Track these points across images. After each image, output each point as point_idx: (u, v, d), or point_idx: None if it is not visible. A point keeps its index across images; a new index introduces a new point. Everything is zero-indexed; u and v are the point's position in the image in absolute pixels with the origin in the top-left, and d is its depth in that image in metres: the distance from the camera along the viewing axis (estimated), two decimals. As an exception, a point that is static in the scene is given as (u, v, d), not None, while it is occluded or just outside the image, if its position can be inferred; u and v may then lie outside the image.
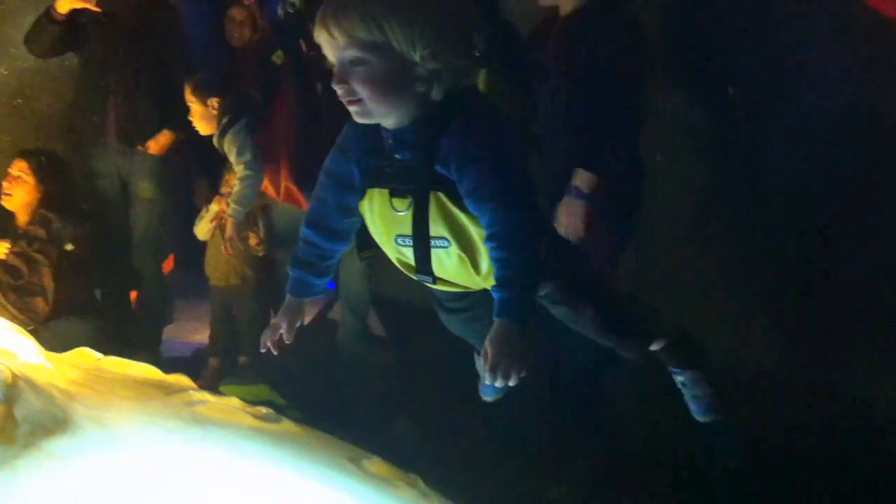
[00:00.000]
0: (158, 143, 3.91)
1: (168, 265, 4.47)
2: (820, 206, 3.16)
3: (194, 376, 2.85)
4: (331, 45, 1.37)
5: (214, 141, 3.66)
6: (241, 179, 3.55)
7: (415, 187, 1.44)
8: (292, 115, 3.62)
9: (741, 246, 3.46)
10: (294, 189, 3.65)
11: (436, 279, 1.56)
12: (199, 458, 1.96)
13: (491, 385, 1.92)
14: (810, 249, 3.19)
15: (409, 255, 1.53)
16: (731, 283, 3.47)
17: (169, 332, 4.39)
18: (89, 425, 1.93)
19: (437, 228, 1.46)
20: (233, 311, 3.99)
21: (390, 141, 1.44)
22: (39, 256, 3.46)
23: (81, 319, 3.51)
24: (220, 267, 3.87)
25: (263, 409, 2.61)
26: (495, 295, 1.41)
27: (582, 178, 2.55)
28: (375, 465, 2.36)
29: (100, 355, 2.73)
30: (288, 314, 1.62)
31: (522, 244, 1.41)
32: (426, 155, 1.42)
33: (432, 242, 1.48)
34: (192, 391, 2.59)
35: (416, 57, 1.34)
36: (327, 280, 1.63)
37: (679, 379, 1.87)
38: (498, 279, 1.41)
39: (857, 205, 3.06)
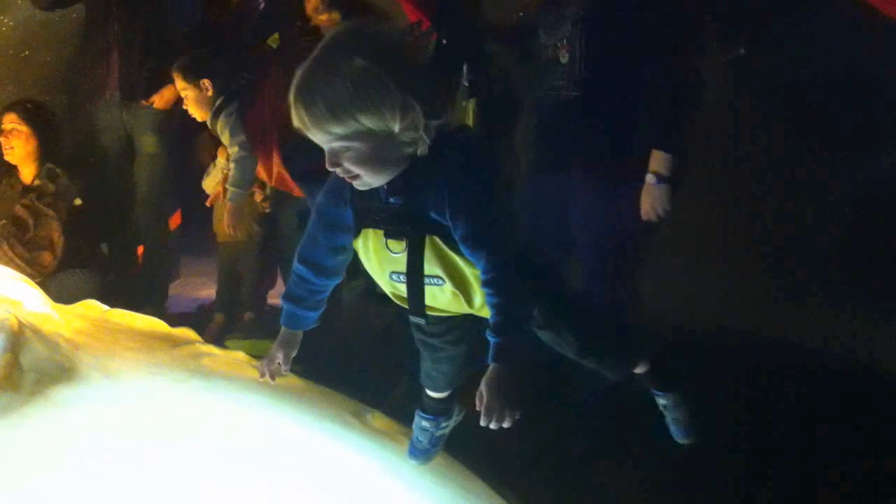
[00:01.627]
0: (163, 98, 3.88)
1: (175, 221, 4.46)
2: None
3: (200, 332, 2.86)
4: (313, 138, 1.40)
5: (208, 123, 3.64)
6: (237, 161, 3.54)
7: (409, 232, 1.46)
8: (283, 99, 3.63)
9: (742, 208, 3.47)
10: (287, 174, 3.68)
11: (428, 317, 1.58)
12: (204, 409, 1.98)
13: (427, 448, 1.92)
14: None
15: (403, 290, 1.55)
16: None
17: (175, 287, 4.40)
18: (95, 374, 1.95)
19: (431, 268, 1.48)
20: (238, 267, 4.00)
21: (384, 187, 1.45)
22: (49, 211, 3.47)
23: (88, 273, 3.52)
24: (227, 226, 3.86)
25: (268, 364, 2.63)
26: (491, 339, 1.42)
27: (660, 161, 2.38)
28: (378, 419, 2.38)
29: (106, 307, 2.74)
30: (283, 346, 1.62)
31: (517, 289, 1.43)
32: (420, 202, 1.42)
33: (427, 280, 1.50)
34: (197, 344, 2.61)
35: (395, 129, 1.36)
36: (319, 312, 1.63)
37: (661, 402, 1.89)
38: (493, 324, 1.42)
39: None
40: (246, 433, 1.89)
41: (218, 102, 3.53)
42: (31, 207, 3.50)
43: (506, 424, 1.39)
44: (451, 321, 1.65)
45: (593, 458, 2.51)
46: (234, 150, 3.53)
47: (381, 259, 1.51)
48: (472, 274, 1.49)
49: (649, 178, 2.41)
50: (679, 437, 1.90)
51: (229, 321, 3.90)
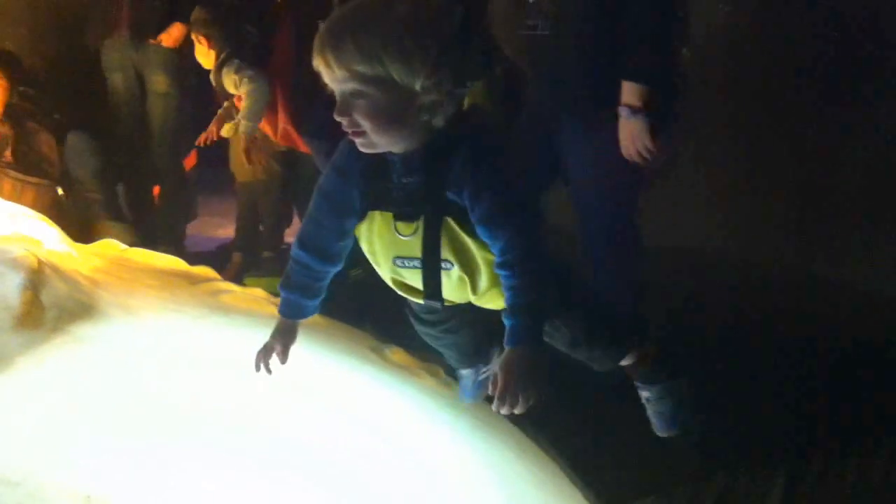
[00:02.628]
0: (171, 36, 3.84)
1: (190, 161, 4.45)
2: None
3: (218, 271, 2.87)
4: (330, 77, 1.31)
5: (211, 77, 3.67)
6: (248, 94, 3.53)
7: (425, 212, 1.39)
8: (291, 55, 3.64)
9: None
10: (292, 130, 3.67)
11: (427, 305, 1.52)
12: (225, 344, 1.99)
13: (472, 391, 1.89)
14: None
15: (406, 275, 1.48)
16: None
17: (193, 227, 4.41)
18: (115, 311, 1.96)
19: (442, 250, 1.42)
20: (257, 206, 3.99)
21: (398, 166, 1.39)
22: (31, 124, 3.46)
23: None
24: (245, 163, 3.85)
25: (287, 300, 2.64)
26: (507, 322, 1.38)
27: (632, 93, 2.28)
28: (397, 354, 2.39)
29: (124, 246, 2.75)
30: (281, 336, 1.55)
31: (537, 270, 1.38)
32: (437, 180, 1.36)
33: None
34: (216, 281, 2.61)
35: (417, 87, 1.29)
36: (319, 300, 1.55)
37: (644, 395, 1.85)
38: (511, 306, 1.37)
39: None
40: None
41: (222, 57, 3.57)
42: (10, 119, 3.46)
43: (518, 411, 1.34)
44: (448, 311, 1.60)
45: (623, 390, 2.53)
46: (244, 84, 3.53)
47: (386, 243, 1.45)
48: (481, 258, 1.43)
49: (621, 111, 2.30)
50: (661, 431, 1.87)
51: (248, 260, 3.92)
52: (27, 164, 3.44)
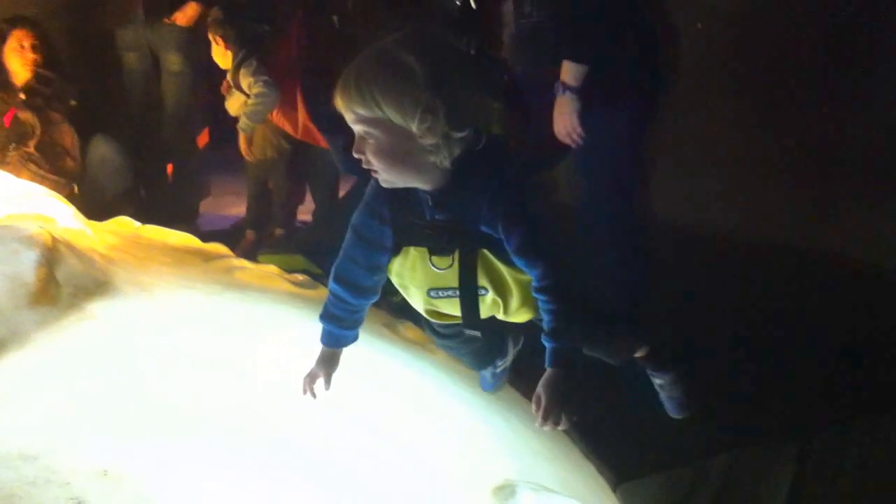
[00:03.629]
0: (185, 15, 3.84)
1: (203, 139, 4.46)
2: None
3: (231, 248, 2.88)
4: (347, 118, 1.38)
5: (229, 76, 3.66)
6: (257, 96, 3.55)
7: (461, 247, 1.44)
8: (304, 51, 3.63)
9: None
10: (313, 127, 3.68)
11: (482, 327, 1.58)
12: (239, 320, 2.00)
13: (493, 382, 1.94)
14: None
15: (441, 305, 1.53)
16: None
17: (206, 205, 4.41)
18: (129, 288, 1.97)
19: (478, 278, 1.47)
20: (269, 184, 4.00)
21: (430, 203, 1.42)
22: (55, 115, 3.48)
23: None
24: (255, 141, 3.85)
25: (300, 277, 2.65)
26: (547, 345, 1.42)
27: (568, 71, 2.29)
28: (410, 330, 2.40)
29: (138, 224, 2.76)
30: (324, 365, 1.59)
31: (573, 294, 1.43)
32: (470, 216, 1.41)
33: None
34: (229, 258, 2.63)
35: (414, 130, 1.33)
36: (357, 330, 1.59)
37: (657, 382, 1.92)
38: (550, 329, 1.42)
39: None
40: (280, 342, 1.91)
41: (240, 56, 3.57)
42: (32, 107, 3.48)
43: (561, 427, 1.40)
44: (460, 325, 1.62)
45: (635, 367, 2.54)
46: (257, 87, 3.55)
47: (421, 276, 1.49)
48: (514, 280, 1.48)
49: (556, 88, 2.32)
50: (673, 413, 1.93)
51: (260, 237, 3.93)
52: (50, 155, 3.47)
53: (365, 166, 1.39)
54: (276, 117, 3.69)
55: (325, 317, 1.57)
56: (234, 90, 3.75)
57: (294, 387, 1.55)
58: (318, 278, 2.68)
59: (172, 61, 3.94)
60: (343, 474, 1.44)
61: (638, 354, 1.85)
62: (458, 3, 2.22)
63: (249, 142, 3.78)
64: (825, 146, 3.39)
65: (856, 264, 3.22)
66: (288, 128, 3.73)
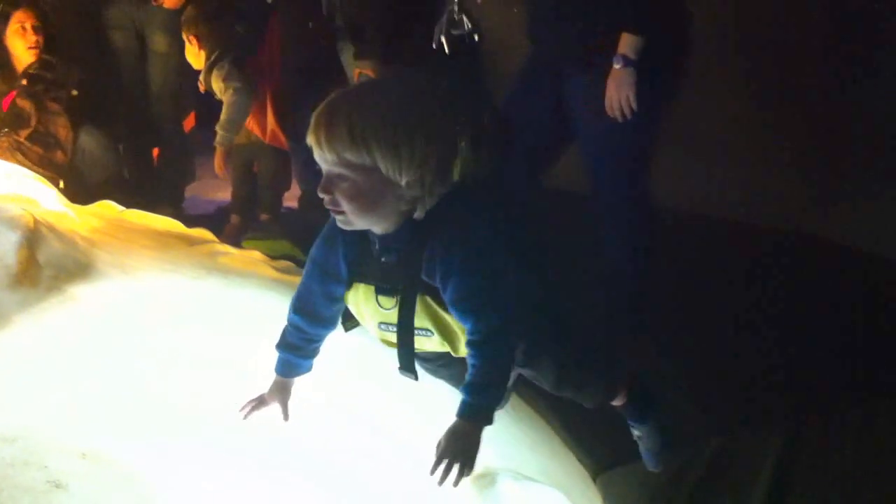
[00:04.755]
0: (172, -4, 3.83)
1: (189, 123, 4.42)
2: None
3: (217, 233, 2.87)
4: (319, 155, 1.34)
5: (201, 78, 3.63)
6: (230, 105, 3.51)
7: (402, 291, 1.43)
8: (279, 57, 3.64)
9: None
10: (279, 132, 3.70)
11: (416, 373, 1.55)
12: (222, 306, 1.99)
13: None
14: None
15: (391, 337, 1.51)
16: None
17: (191, 189, 4.38)
18: (112, 271, 1.96)
19: (421, 321, 1.46)
20: (253, 168, 3.98)
21: (376, 245, 1.42)
22: (53, 104, 3.46)
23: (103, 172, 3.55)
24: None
25: (285, 263, 2.64)
26: (462, 395, 1.42)
27: (628, 44, 2.31)
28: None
29: (122, 207, 2.75)
30: (278, 393, 1.56)
31: (499, 356, 1.42)
32: (413, 262, 1.40)
33: (416, 331, 1.47)
34: (214, 243, 2.61)
35: (403, 182, 1.31)
36: (313, 360, 1.58)
37: (636, 433, 1.89)
38: (468, 383, 1.41)
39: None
40: (263, 328, 1.91)
41: (212, 58, 3.53)
42: (32, 95, 3.45)
43: (452, 480, 1.37)
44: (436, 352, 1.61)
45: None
46: (228, 94, 3.52)
47: (370, 312, 1.49)
48: (458, 328, 1.46)
49: (615, 60, 2.33)
50: (651, 466, 1.92)
51: (246, 222, 3.91)
52: (41, 146, 3.44)
53: (328, 206, 1.36)
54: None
55: (280, 346, 1.55)
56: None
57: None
58: (303, 264, 2.67)
59: (159, 42, 3.91)
60: (343, 474, 1.44)
61: (615, 402, 1.82)
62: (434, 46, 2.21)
63: (220, 164, 3.75)
64: (833, 131, 3.39)
65: (856, 252, 3.23)
66: (256, 130, 3.72)
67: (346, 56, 3.69)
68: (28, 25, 3.46)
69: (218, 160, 3.67)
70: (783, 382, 2.45)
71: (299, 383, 1.57)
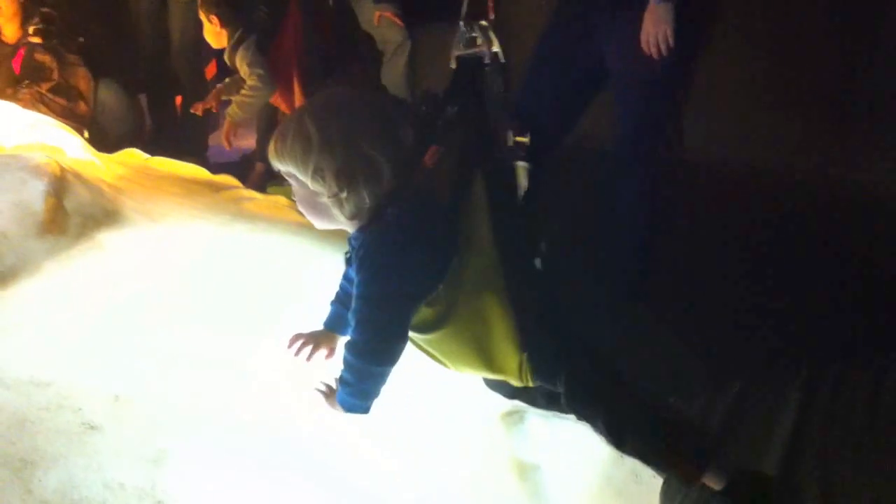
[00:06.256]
0: (193, -55, 3.78)
1: (210, 71, 4.41)
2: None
3: (241, 180, 2.86)
4: None
5: (225, 57, 3.56)
6: (251, 88, 3.48)
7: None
8: (302, 33, 3.56)
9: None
10: None
11: None
12: (247, 250, 2.00)
13: None
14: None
15: None
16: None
17: (215, 137, 4.38)
18: (138, 218, 1.96)
19: None
20: (278, 115, 3.96)
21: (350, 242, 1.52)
22: (72, 56, 3.45)
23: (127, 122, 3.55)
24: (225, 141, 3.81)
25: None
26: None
27: None
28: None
29: (147, 155, 2.75)
30: (325, 342, 1.64)
31: (354, 364, 1.46)
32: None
33: None
34: (238, 189, 2.61)
35: (310, 186, 1.41)
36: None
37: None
38: (338, 377, 1.50)
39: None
40: (288, 270, 1.91)
41: (236, 36, 3.46)
42: (50, 49, 3.45)
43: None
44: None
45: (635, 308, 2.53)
46: (252, 79, 3.47)
47: None
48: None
49: None
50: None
51: (270, 169, 3.90)
52: (64, 97, 3.44)
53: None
54: (273, 97, 3.64)
55: (334, 301, 1.65)
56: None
57: (290, 385, 1.58)
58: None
59: (179, -8, 3.88)
60: (343, 474, 1.44)
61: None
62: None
63: (227, 137, 3.72)
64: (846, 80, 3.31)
65: (881, 205, 3.17)
66: (283, 107, 3.69)
67: (360, 4, 3.64)
68: None
69: (226, 131, 3.66)
70: (798, 336, 2.42)
71: (299, 383, 1.58)
